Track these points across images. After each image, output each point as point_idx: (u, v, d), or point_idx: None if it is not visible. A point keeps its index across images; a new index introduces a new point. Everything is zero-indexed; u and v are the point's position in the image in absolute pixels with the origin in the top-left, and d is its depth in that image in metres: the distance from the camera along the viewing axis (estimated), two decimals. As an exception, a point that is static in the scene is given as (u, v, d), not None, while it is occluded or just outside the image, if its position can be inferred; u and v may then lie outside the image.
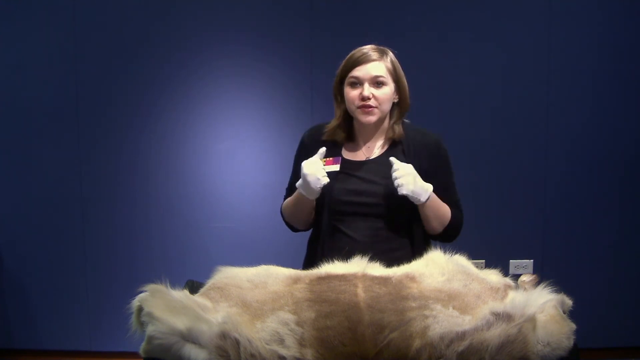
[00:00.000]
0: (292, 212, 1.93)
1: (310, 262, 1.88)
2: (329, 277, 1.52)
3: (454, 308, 1.39)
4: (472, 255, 1.70)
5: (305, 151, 1.92)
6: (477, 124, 3.04)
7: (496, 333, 1.28)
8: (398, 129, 1.86)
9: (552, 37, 3.00)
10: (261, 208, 3.02)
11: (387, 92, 1.81)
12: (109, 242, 3.08)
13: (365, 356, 1.29)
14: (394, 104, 1.87)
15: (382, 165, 1.82)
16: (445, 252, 1.66)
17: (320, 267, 1.61)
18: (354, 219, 1.83)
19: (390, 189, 1.77)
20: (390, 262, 1.64)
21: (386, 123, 1.88)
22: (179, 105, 3.03)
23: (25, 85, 3.02)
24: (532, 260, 3.09)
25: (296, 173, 1.93)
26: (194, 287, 1.60)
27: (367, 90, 1.78)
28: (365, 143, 1.90)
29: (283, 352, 1.28)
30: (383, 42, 1.89)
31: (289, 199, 1.94)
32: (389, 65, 1.82)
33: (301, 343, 1.30)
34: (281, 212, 2.00)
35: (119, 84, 3.02)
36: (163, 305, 1.33)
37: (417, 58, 2.88)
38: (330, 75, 1.90)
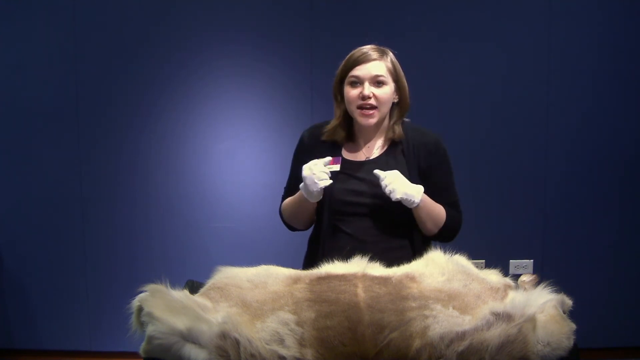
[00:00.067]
0: (293, 212, 1.93)
1: (310, 261, 1.88)
2: (329, 277, 1.52)
3: (454, 308, 1.39)
4: (472, 255, 1.70)
5: (304, 150, 1.92)
6: (477, 124, 3.04)
7: (496, 333, 1.28)
8: (398, 129, 1.86)
9: (552, 37, 3.00)
10: (261, 208, 3.02)
11: (387, 91, 1.81)
12: (109, 242, 3.08)
13: (365, 356, 1.29)
14: (393, 104, 1.87)
15: (382, 165, 1.83)
16: (445, 252, 1.66)
17: (320, 267, 1.61)
18: (355, 218, 1.83)
19: (390, 189, 1.77)
20: (390, 262, 1.64)
21: (386, 123, 1.88)
22: (179, 105, 3.02)
23: (25, 85, 3.02)
24: (532, 260, 3.09)
25: (295, 172, 1.93)
26: (194, 287, 1.60)
27: (368, 89, 1.78)
28: (365, 143, 1.90)
29: (283, 352, 1.28)
30: (383, 42, 1.89)
31: (289, 199, 1.93)
32: (389, 65, 1.82)
33: (301, 343, 1.30)
34: (280, 212, 2.00)
35: (119, 84, 3.02)
36: (163, 305, 1.33)
37: (417, 58, 2.88)
38: (330, 75, 1.90)
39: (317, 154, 1.85)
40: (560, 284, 1.48)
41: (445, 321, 1.33)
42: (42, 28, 2.98)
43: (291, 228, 2.00)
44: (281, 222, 2.01)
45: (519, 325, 1.29)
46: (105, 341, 3.09)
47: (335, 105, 1.90)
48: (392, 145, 1.88)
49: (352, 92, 1.81)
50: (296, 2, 2.99)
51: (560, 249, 3.10)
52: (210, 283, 1.56)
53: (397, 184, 1.72)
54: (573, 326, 1.36)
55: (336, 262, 1.62)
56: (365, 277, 1.51)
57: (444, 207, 1.84)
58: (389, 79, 1.81)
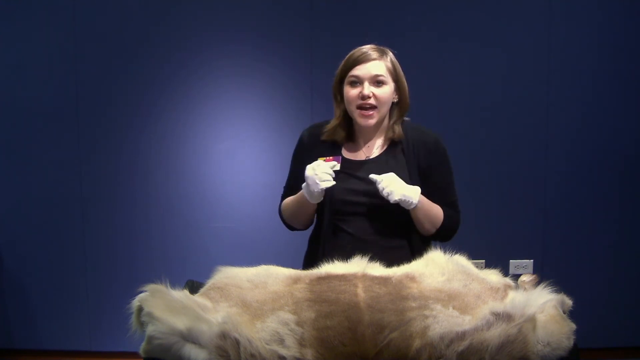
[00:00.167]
0: (293, 212, 1.93)
1: (311, 259, 1.88)
2: (329, 277, 1.52)
3: (454, 308, 1.39)
4: (472, 255, 1.70)
5: (303, 150, 1.92)
6: (477, 124, 3.04)
7: (496, 333, 1.28)
8: (398, 128, 1.86)
9: (552, 37, 3.00)
10: (261, 208, 3.02)
11: (387, 91, 1.81)
12: (109, 242, 3.08)
13: (365, 356, 1.29)
14: (393, 103, 1.87)
15: (381, 164, 1.83)
16: (445, 252, 1.66)
17: (320, 267, 1.61)
18: (355, 218, 1.83)
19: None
20: (390, 261, 1.64)
21: (386, 123, 1.88)
22: (179, 105, 3.02)
23: (25, 85, 3.02)
24: (532, 260, 3.09)
25: (294, 172, 1.94)
26: (194, 287, 1.60)
27: (367, 89, 1.78)
28: (365, 143, 1.90)
29: (283, 352, 1.28)
30: (383, 42, 1.89)
31: (289, 198, 1.93)
32: (389, 64, 1.82)
33: (301, 343, 1.30)
34: (280, 211, 2.00)
35: (119, 84, 3.01)
36: (163, 305, 1.33)
37: (417, 58, 2.88)
38: (330, 75, 1.90)
39: (316, 153, 1.85)
40: (560, 284, 1.48)
41: (445, 321, 1.33)
42: (42, 28, 2.98)
43: (290, 228, 2.00)
44: (281, 222, 2.01)
45: (519, 325, 1.29)
46: (105, 341, 3.09)
47: (335, 105, 1.90)
48: (392, 144, 1.88)
49: (351, 92, 1.81)
50: (296, 2, 2.99)
51: (560, 249, 3.10)
52: (210, 283, 1.56)
53: (394, 186, 1.72)
54: (573, 326, 1.36)
55: (336, 262, 1.62)
56: (365, 277, 1.51)
57: (442, 207, 1.84)
58: (388, 78, 1.81)
